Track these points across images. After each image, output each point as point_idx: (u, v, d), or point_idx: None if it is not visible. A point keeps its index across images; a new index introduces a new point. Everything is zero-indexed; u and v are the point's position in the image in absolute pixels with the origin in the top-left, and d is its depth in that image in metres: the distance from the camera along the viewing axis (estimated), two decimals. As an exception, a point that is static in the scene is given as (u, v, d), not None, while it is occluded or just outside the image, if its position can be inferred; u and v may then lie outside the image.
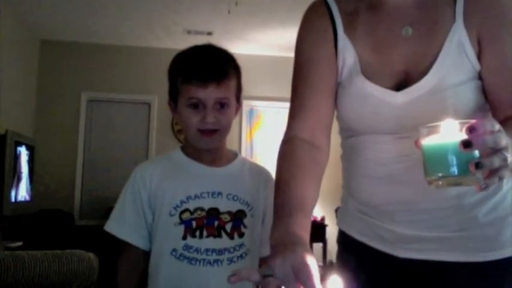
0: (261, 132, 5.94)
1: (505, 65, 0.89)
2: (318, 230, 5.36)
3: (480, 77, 0.91)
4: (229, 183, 1.23)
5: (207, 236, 1.17)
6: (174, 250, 1.17)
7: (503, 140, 0.67)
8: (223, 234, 1.19)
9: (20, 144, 4.27)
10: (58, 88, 5.59)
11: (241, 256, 1.18)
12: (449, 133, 0.68)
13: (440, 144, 0.69)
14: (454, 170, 0.68)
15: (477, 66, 0.90)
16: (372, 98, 0.94)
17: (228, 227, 1.19)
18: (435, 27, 0.92)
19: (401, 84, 0.92)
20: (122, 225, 1.22)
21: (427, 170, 0.72)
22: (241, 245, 1.19)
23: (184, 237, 1.17)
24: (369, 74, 0.95)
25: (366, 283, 1.03)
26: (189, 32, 5.30)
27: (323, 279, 0.70)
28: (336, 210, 4.74)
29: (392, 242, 0.97)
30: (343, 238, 1.09)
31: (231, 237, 1.19)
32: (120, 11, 4.75)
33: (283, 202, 0.83)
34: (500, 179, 0.68)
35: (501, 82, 0.90)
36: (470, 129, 0.66)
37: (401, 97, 0.91)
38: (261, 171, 1.32)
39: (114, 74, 5.71)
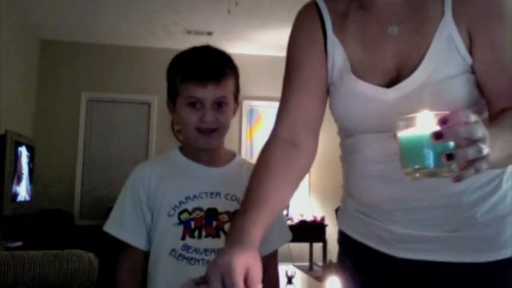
0: (261, 132, 5.94)
1: (497, 57, 0.89)
2: (318, 230, 5.37)
3: (473, 70, 0.91)
4: (227, 183, 1.24)
5: (206, 236, 1.18)
6: (173, 250, 1.17)
7: (479, 132, 0.66)
8: (221, 234, 1.19)
9: (20, 144, 4.26)
10: (58, 88, 5.59)
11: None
12: (424, 125, 0.68)
13: (416, 136, 0.69)
14: (430, 161, 0.68)
15: (468, 60, 0.90)
16: (363, 96, 0.94)
17: (227, 227, 1.19)
18: (424, 23, 0.92)
19: (392, 82, 0.93)
20: (121, 226, 1.22)
21: (404, 162, 0.72)
22: None
23: (183, 238, 1.17)
24: (360, 72, 0.96)
25: (365, 283, 1.03)
26: (189, 32, 5.30)
27: (268, 270, 0.70)
28: (336, 210, 4.74)
29: (390, 242, 0.97)
30: (343, 238, 1.10)
31: None
32: (120, 11, 4.76)
33: (245, 196, 0.87)
34: (477, 171, 0.67)
35: (494, 74, 0.89)
36: (442, 121, 0.66)
37: (392, 94, 0.91)
38: None
39: (114, 74, 5.71)
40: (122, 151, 5.51)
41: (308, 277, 3.51)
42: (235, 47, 5.70)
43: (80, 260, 1.89)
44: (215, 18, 4.85)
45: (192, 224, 1.18)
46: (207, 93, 1.17)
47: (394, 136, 0.73)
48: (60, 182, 5.39)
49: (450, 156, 0.65)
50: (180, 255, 1.17)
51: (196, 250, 1.17)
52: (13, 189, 4.11)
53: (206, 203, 1.21)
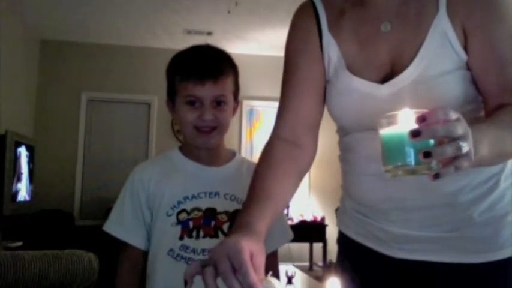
0: (260, 132, 5.94)
1: (492, 53, 0.89)
2: (318, 230, 5.37)
3: (468, 67, 0.91)
4: (226, 183, 1.24)
5: (204, 237, 1.18)
6: (171, 250, 1.17)
7: (459, 129, 0.65)
8: (220, 234, 1.19)
9: (20, 144, 4.26)
10: (58, 88, 5.59)
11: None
12: (405, 123, 0.68)
13: (396, 134, 0.69)
14: (411, 159, 0.68)
15: (463, 56, 0.90)
16: (358, 92, 0.95)
17: (226, 227, 1.19)
18: (418, 20, 0.92)
19: (387, 78, 0.93)
20: (121, 225, 1.22)
21: (385, 159, 0.72)
22: None
23: (181, 238, 1.17)
24: (355, 69, 0.96)
25: (364, 284, 1.03)
26: (189, 32, 5.30)
27: (268, 269, 0.70)
28: (336, 210, 4.73)
29: (387, 242, 0.97)
30: (342, 238, 1.10)
31: None
32: (120, 11, 4.75)
33: (248, 195, 0.87)
34: (457, 168, 0.66)
35: (488, 71, 0.89)
36: (421, 119, 0.66)
37: (386, 89, 0.92)
38: None
39: (114, 74, 5.71)
40: (121, 151, 5.51)
41: (308, 277, 3.51)
42: (235, 47, 5.70)
43: (80, 260, 1.89)
44: (215, 18, 4.85)
45: (191, 224, 1.18)
46: (206, 91, 1.17)
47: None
48: (60, 182, 5.39)
49: (428, 154, 0.65)
50: (178, 255, 1.16)
51: (194, 250, 1.16)
52: (13, 189, 4.11)
53: (205, 203, 1.20)
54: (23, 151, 4.39)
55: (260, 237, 0.76)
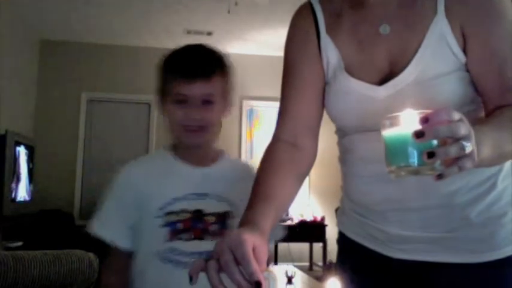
0: (260, 132, 5.94)
1: (491, 55, 0.89)
2: (318, 230, 5.37)
3: (467, 69, 0.90)
4: (215, 183, 1.23)
5: (192, 239, 1.17)
6: (159, 252, 1.16)
7: (462, 130, 0.66)
8: (207, 236, 1.18)
9: (20, 144, 4.27)
10: (58, 88, 5.59)
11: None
12: (408, 124, 0.69)
13: (399, 134, 0.70)
14: (414, 160, 0.68)
15: (462, 58, 0.90)
16: (356, 93, 0.95)
17: (213, 228, 1.19)
18: (416, 22, 0.92)
19: (385, 79, 0.93)
20: (106, 227, 1.21)
21: (388, 160, 0.73)
22: None
23: (168, 240, 1.16)
24: (353, 71, 0.96)
25: (363, 284, 1.03)
26: (189, 32, 5.30)
27: (269, 262, 0.70)
28: (336, 210, 4.73)
29: (385, 242, 0.97)
30: (342, 239, 1.10)
31: (215, 239, 1.17)
32: (120, 11, 4.76)
33: (251, 197, 0.88)
34: (461, 169, 0.67)
35: (487, 72, 0.89)
36: (424, 120, 0.66)
37: (384, 91, 0.92)
38: (246, 168, 1.32)
39: (114, 74, 5.71)
40: (122, 151, 5.50)
41: (308, 277, 3.51)
42: (235, 47, 5.70)
43: (80, 260, 1.89)
44: (215, 18, 4.85)
45: (178, 225, 1.17)
46: (194, 90, 1.17)
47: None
48: (60, 182, 5.39)
49: (431, 154, 0.65)
50: (165, 257, 1.15)
51: (182, 253, 1.15)
52: (13, 189, 4.11)
53: (193, 205, 1.19)
54: (23, 151, 4.39)
55: (263, 234, 0.77)
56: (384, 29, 0.95)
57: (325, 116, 1.07)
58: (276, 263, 5.06)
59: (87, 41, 5.65)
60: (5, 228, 3.78)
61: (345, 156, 1.05)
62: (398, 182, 0.91)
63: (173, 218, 1.17)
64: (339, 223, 1.11)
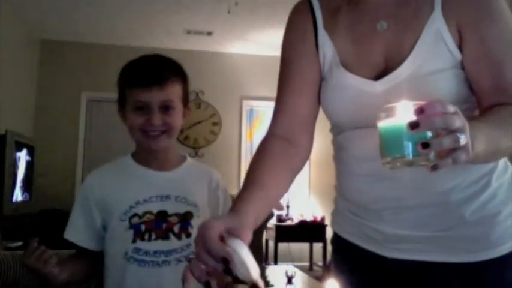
0: (260, 132, 5.94)
1: (486, 54, 0.89)
2: (318, 230, 5.37)
3: (463, 67, 0.91)
4: (177, 186, 1.28)
5: (156, 239, 1.22)
6: (125, 253, 1.21)
7: (457, 122, 0.66)
8: (171, 236, 1.23)
9: (20, 144, 4.26)
10: (58, 88, 5.59)
11: (188, 256, 1.23)
12: (403, 115, 0.69)
13: (394, 126, 0.70)
14: (409, 151, 0.69)
15: (458, 55, 0.90)
16: (351, 88, 0.95)
17: (176, 228, 1.23)
18: (413, 19, 0.93)
19: (381, 75, 0.93)
20: (75, 231, 1.28)
21: (383, 151, 0.73)
22: (188, 245, 1.24)
23: (134, 241, 1.21)
24: (349, 66, 0.97)
25: (358, 284, 1.03)
26: (189, 32, 5.30)
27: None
28: (336, 210, 4.73)
29: (380, 242, 0.97)
30: (336, 239, 1.10)
31: (178, 238, 1.23)
32: (120, 11, 4.76)
33: (241, 188, 0.89)
34: (455, 161, 0.67)
35: (482, 70, 0.89)
36: (419, 111, 0.66)
37: (379, 86, 0.92)
38: (209, 174, 1.37)
39: (114, 74, 5.66)
40: (122, 151, 5.44)
41: (308, 277, 3.51)
42: (235, 47, 5.70)
43: (80, 260, 1.88)
44: (215, 18, 4.85)
45: (143, 227, 1.22)
46: (152, 97, 1.21)
47: None
48: (60, 182, 5.39)
49: (426, 145, 0.66)
50: (131, 257, 1.21)
51: (146, 252, 1.21)
52: (13, 189, 4.11)
53: (156, 206, 1.24)
54: (23, 151, 4.38)
55: (243, 216, 0.78)
56: (381, 25, 0.95)
57: (325, 116, 1.07)
58: (276, 263, 5.06)
59: (87, 41, 5.65)
60: (5, 228, 3.78)
61: (340, 155, 1.05)
62: (393, 180, 0.91)
63: (137, 220, 1.23)
64: (333, 224, 1.11)
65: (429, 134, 0.67)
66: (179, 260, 1.22)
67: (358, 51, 0.97)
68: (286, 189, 0.97)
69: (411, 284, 0.96)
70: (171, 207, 1.25)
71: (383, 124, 0.72)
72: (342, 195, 1.07)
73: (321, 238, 5.35)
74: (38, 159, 4.92)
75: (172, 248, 1.22)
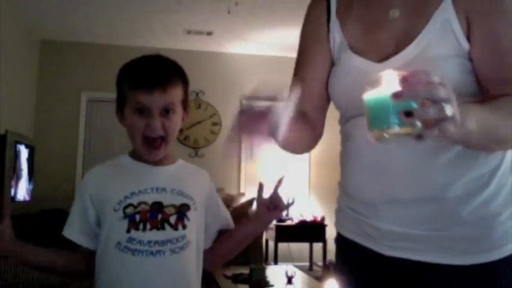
0: (261, 132, 5.93)
1: (493, 43, 0.89)
2: (318, 230, 5.37)
3: (470, 58, 0.91)
4: (173, 179, 1.29)
5: (151, 229, 1.22)
6: (119, 243, 1.21)
7: (441, 92, 0.66)
8: (166, 226, 1.23)
9: (20, 144, 4.26)
10: (58, 88, 5.59)
11: (182, 247, 1.23)
12: (388, 86, 0.69)
13: (379, 97, 0.70)
14: (395, 121, 0.68)
15: (465, 45, 0.90)
16: (356, 70, 0.98)
17: (172, 219, 1.24)
18: (424, 7, 0.94)
19: (387, 59, 0.95)
20: (73, 228, 1.28)
21: (369, 124, 0.72)
22: (183, 236, 1.24)
23: (128, 231, 1.21)
24: (358, 50, 0.99)
25: (358, 283, 1.03)
26: (189, 32, 5.30)
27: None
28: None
29: (377, 239, 0.97)
30: (338, 238, 1.10)
31: (175, 228, 1.23)
32: (120, 11, 4.76)
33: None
34: (442, 131, 0.67)
35: (489, 60, 0.90)
36: (403, 80, 0.66)
37: (382, 68, 0.92)
38: (201, 174, 1.39)
39: (114, 74, 5.65)
40: (122, 151, 5.47)
41: (308, 277, 3.51)
42: (235, 47, 5.70)
43: (80, 260, 1.88)
44: (215, 18, 4.85)
45: (137, 217, 1.22)
46: (154, 100, 1.20)
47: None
48: (60, 182, 5.39)
49: (409, 114, 0.66)
50: (125, 247, 1.20)
51: (140, 242, 1.20)
52: (13, 189, 4.11)
53: (151, 197, 1.24)
54: (23, 151, 4.39)
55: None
56: (394, 13, 0.97)
57: (327, 117, 1.08)
58: (276, 263, 5.06)
59: (87, 41, 5.65)
60: (5, 228, 3.78)
61: (345, 146, 1.07)
62: (390, 171, 0.92)
63: (132, 210, 1.23)
64: (336, 223, 1.12)
65: (415, 105, 0.66)
66: (173, 251, 1.21)
67: (368, 37, 0.99)
68: (301, 137, 1.04)
69: (407, 283, 0.95)
70: (167, 199, 1.25)
71: (368, 96, 0.72)
72: (344, 191, 1.08)
73: (321, 238, 5.35)
74: (38, 159, 4.92)
75: (167, 238, 1.22)
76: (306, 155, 6.00)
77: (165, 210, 1.24)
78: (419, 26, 0.92)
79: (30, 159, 4.64)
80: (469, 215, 0.90)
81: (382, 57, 0.95)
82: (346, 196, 1.06)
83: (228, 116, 6.02)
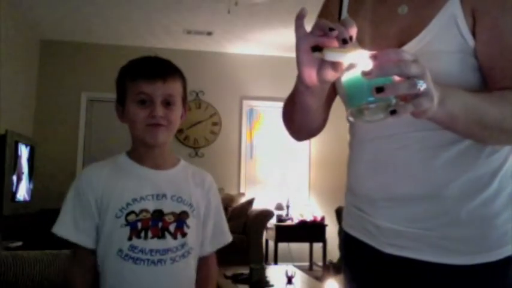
0: (261, 132, 5.94)
1: (498, 38, 0.89)
2: (318, 230, 5.37)
3: (475, 55, 0.91)
4: (173, 185, 1.29)
5: (152, 237, 1.23)
6: (120, 250, 1.21)
7: (412, 68, 0.67)
8: (167, 235, 1.24)
9: (20, 144, 4.27)
10: (58, 88, 5.59)
11: (183, 255, 1.25)
12: (362, 65, 0.70)
13: (353, 76, 0.71)
14: (368, 98, 0.69)
15: (470, 42, 0.90)
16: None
17: (172, 227, 1.24)
18: (431, 3, 0.94)
19: None
20: (71, 227, 1.26)
21: (347, 103, 0.74)
22: (183, 245, 1.25)
23: (129, 238, 1.22)
24: (364, 44, 0.99)
25: (362, 278, 1.04)
26: (189, 32, 5.30)
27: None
28: (336, 210, 4.74)
29: (377, 236, 0.98)
30: (344, 237, 1.11)
31: (174, 237, 1.24)
32: (120, 11, 4.76)
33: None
34: (416, 107, 0.68)
35: (493, 55, 0.90)
36: (373, 58, 0.68)
37: None
38: (203, 176, 1.38)
39: (114, 74, 5.66)
40: (121, 151, 5.48)
41: (308, 277, 3.51)
42: (235, 47, 5.70)
43: (80, 260, 1.88)
44: (215, 18, 4.85)
45: (139, 225, 1.23)
46: (156, 89, 1.24)
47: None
48: (60, 181, 5.38)
49: (380, 89, 0.67)
50: (126, 255, 1.21)
51: (142, 250, 1.21)
52: (13, 189, 4.11)
53: (152, 205, 1.25)
54: (23, 151, 4.39)
55: None
56: (402, 9, 0.98)
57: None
58: (276, 263, 5.06)
59: (87, 41, 5.65)
60: (5, 228, 3.78)
61: (351, 142, 1.08)
62: (389, 166, 0.93)
63: (134, 217, 1.23)
64: (343, 222, 1.12)
65: (388, 82, 0.68)
66: (174, 260, 1.23)
67: (375, 32, 1.00)
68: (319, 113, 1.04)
69: (407, 282, 0.95)
70: (167, 207, 1.26)
71: (344, 77, 0.74)
72: (349, 188, 1.08)
73: (321, 238, 5.35)
74: (38, 159, 4.92)
75: (167, 247, 1.23)
76: (306, 155, 6.01)
77: (165, 218, 1.25)
78: (425, 21, 0.93)
79: (30, 159, 4.64)
80: (467, 215, 0.89)
81: None
82: (350, 193, 1.07)
83: (228, 116, 6.03)
